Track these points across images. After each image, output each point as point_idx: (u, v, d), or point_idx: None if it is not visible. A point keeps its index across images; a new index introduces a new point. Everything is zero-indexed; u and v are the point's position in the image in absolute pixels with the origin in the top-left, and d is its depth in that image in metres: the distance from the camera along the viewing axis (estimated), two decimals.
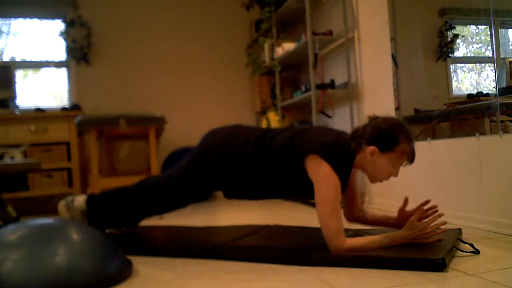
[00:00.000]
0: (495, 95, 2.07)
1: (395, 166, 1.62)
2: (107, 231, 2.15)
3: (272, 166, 1.70)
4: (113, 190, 2.06)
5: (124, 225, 2.20)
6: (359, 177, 1.97)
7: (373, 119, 1.65)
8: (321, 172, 1.56)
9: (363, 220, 1.92)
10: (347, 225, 1.97)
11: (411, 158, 1.62)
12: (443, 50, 2.51)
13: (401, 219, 1.79)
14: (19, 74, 4.21)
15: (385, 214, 1.77)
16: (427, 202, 1.70)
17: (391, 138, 1.59)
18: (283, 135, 1.73)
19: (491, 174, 2.00)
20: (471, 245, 1.60)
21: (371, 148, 1.60)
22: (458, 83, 2.53)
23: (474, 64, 2.50)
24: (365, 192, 3.04)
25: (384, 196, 2.84)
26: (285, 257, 1.60)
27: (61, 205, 2.08)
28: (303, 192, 1.74)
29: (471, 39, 2.49)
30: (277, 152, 1.69)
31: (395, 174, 1.64)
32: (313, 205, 3.23)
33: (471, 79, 2.51)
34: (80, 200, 2.08)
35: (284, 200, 3.72)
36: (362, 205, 1.93)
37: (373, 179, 1.68)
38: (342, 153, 1.63)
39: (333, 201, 1.55)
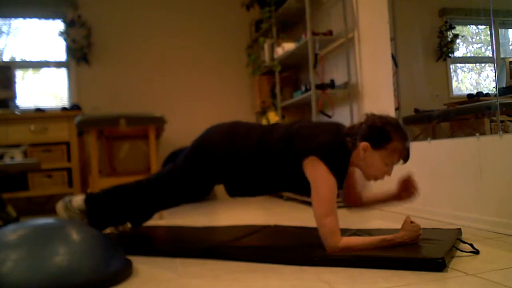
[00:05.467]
0: (495, 95, 2.07)
1: (388, 164, 1.63)
2: (107, 230, 2.15)
3: (272, 163, 1.72)
4: (112, 188, 2.06)
5: (124, 223, 2.19)
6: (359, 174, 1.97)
7: (370, 116, 1.68)
8: (318, 174, 1.59)
9: (362, 203, 1.92)
10: (348, 225, 1.98)
11: (404, 156, 1.63)
12: (443, 50, 2.51)
13: (401, 190, 1.80)
14: (19, 74, 4.21)
15: (384, 192, 1.77)
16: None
17: (383, 135, 1.61)
18: (283, 132, 1.74)
19: (491, 174, 2.00)
20: (471, 245, 1.60)
21: (364, 144, 1.62)
22: (458, 83, 2.53)
23: (474, 64, 2.50)
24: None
25: None
26: (285, 257, 1.60)
27: (59, 206, 2.08)
28: (301, 189, 1.76)
29: (471, 39, 2.49)
30: (277, 149, 1.71)
31: (389, 173, 1.65)
32: (310, 203, 3.24)
33: (471, 79, 2.51)
34: (78, 199, 2.07)
35: (285, 200, 3.72)
36: (362, 189, 1.91)
37: (367, 176, 1.69)
38: (339, 152, 1.65)
39: (329, 201, 1.57)
